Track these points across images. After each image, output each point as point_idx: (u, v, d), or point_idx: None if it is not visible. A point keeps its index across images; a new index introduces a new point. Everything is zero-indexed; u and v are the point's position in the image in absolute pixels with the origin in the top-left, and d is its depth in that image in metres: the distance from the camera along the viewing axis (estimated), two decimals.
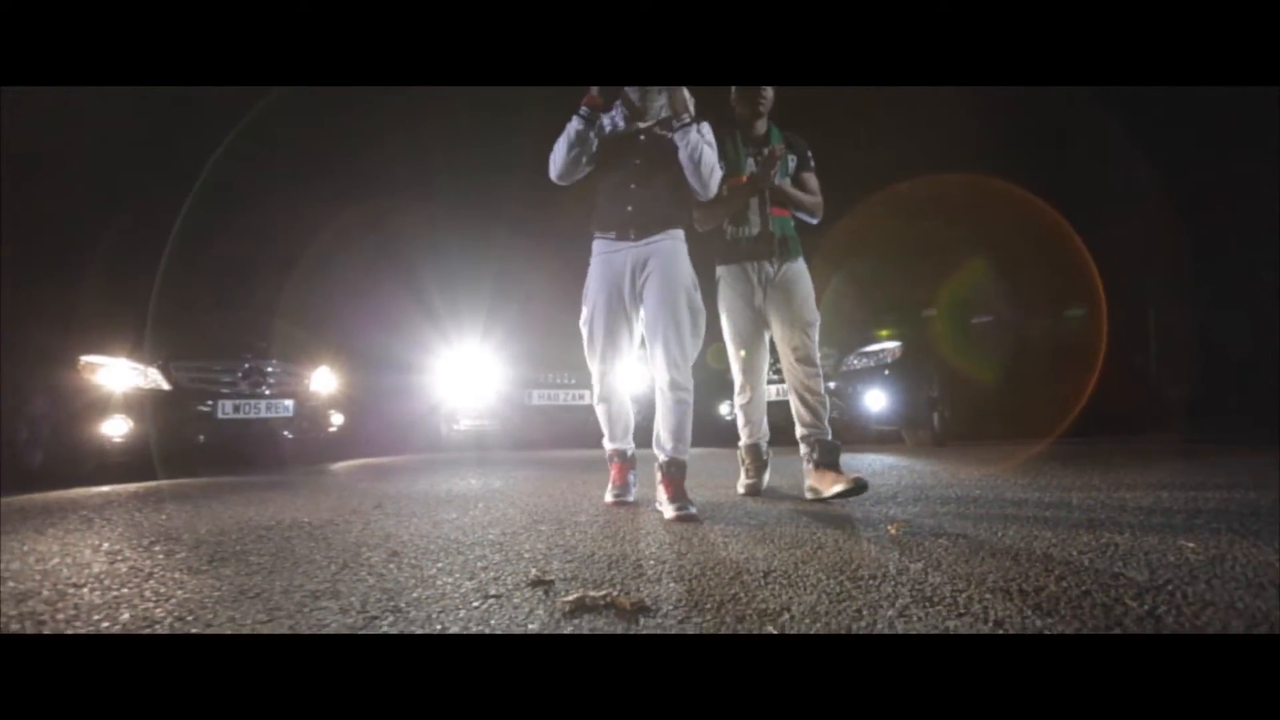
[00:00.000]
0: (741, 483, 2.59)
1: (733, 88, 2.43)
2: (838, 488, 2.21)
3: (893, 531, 1.76)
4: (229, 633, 1.07)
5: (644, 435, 2.31)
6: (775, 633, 1.03)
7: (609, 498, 2.38)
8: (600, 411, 2.37)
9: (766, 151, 2.37)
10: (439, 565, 1.53)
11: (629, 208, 2.21)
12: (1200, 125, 8.81)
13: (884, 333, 4.78)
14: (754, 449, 2.55)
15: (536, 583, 1.34)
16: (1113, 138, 8.82)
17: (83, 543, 1.87)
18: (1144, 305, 7.73)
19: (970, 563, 1.43)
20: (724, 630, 1.06)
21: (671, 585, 1.32)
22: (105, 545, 1.84)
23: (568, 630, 1.08)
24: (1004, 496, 2.38)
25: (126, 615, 1.20)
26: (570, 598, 1.21)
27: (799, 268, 2.45)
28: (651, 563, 1.50)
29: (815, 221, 2.52)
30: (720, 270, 2.50)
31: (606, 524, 2.00)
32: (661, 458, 2.18)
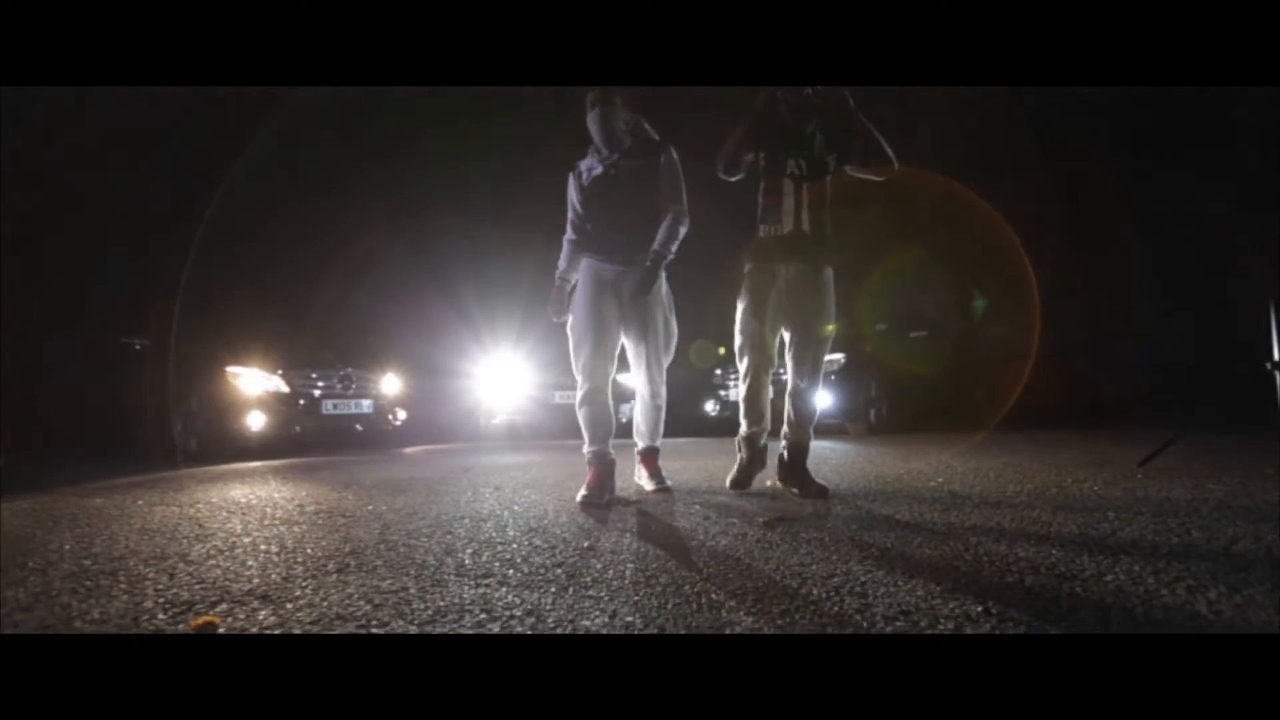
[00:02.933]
0: (730, 476, 2.62)
1: (778, 90, 2.39)
2: (797, 490, 2.46)
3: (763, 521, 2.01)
4: (230, 633, 1.12)
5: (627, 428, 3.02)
6: (774, 633, 1.07)
7: (579, 498, 2.40)
8: (582, 415, 2.54)
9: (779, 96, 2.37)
10: (527, 492, 2.73)
11: (616, 236, 2.54)
12: (1144, 125, 9.04)
13: (828, 328, 5.82)
14: (751, 440, 2.59)
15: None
16: (1055, 135, 9.24)
17: (300, 489, 3.06)
18: (1081, 308, 8.51)
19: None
20: (711, 625, 1.76)
21: (658, 496, 2.52)
22: (313, 489, 3.03)
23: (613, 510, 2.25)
24: (886, 469, 3.54)
25: (384, 507, 2.39)
26: (606, 499, 2.41)
27: (826, 278, 2.48)
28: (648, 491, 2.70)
29: (886, 168, 2.41)
30: (747, 268, 2.53)
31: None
32: (641, 445, 2.69)
